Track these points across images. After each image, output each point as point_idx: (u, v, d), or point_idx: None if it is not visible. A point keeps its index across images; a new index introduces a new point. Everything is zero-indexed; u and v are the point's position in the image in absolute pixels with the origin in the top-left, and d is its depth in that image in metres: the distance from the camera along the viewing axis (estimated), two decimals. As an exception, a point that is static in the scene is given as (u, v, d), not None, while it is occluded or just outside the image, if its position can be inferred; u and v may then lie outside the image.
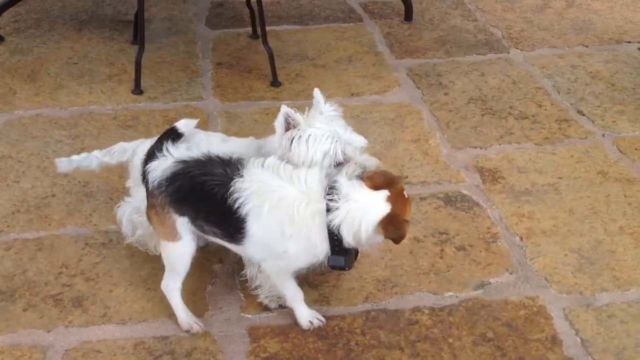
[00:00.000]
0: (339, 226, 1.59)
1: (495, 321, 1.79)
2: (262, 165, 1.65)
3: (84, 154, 1.96)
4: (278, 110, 2.65)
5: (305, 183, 1.63)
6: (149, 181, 1.68)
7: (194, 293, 1.83)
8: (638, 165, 2.35)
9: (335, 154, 1.68)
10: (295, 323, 1.78)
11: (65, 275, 1.91)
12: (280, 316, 1.81)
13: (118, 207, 1.98)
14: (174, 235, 1.68)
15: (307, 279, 1.89)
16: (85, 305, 1.82)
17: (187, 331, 1.76)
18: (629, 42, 3.16)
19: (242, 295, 1.86)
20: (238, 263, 1.90)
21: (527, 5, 3.50)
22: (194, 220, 1.68)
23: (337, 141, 1.69)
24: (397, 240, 1.62)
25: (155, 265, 1.93)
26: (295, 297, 1.76)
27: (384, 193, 1.60)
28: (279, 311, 1.82)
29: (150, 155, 1.72)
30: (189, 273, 1.74)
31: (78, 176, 2.28)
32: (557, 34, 3.22)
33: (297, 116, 1.72)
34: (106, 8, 3.41)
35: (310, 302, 1.83)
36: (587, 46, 3.11)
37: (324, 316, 1.79)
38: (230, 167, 1.66)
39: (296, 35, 3.23)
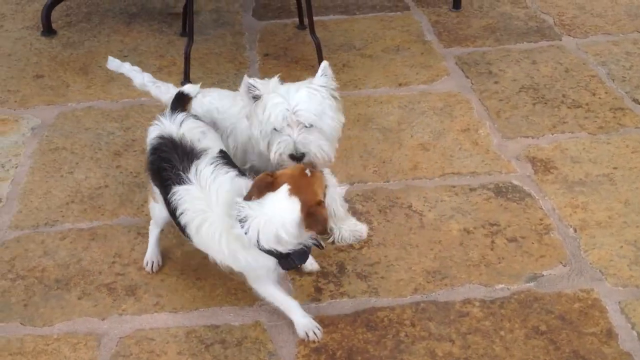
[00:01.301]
0: (261, 242, 1.56)
1: (548, 314, 1.76)
2: (196, 174, 1.66)
3: (137, 67, 2.07)
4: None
5: (217, 203, 1.62)
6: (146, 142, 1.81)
7: (243, 282, 1.85)
8: (698, 154, 2.28)
9: (276, 119, 1.71)
10: (345, 314, 1.78)
11: (118, 265, 1.95)
12: (329, 306, 1.81)
13: None
14: (153, 196, 1.84)
15: (347, 270, 1.89)
16: (138, 294, 1.86)
17: (144, 267, 1.90)
18: (688, 27, 3.05)
19: (291, 285, 1.87)
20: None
21: (579, -9, 3.41)
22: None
23: (285, 109, 1.71)
24: (323, 229, 1.56)
25: (205, 255, 1.95)
26: (288, 307, 1.72)
27: (285, 190, 1.55)
28: (329, 302, 1.82)
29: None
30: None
31: (130, 167, 2.32)
32: (611, 21, 3.13)
33: (259, 85, 1.77)
34: (155, 1, 3.45)
35: (359, 293, 1.82)
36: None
37: (372, 307, 1.78)
38: (186, 161, 1.68)
39: (343, 25, 3.22)
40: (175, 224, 1.74)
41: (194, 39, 2.79)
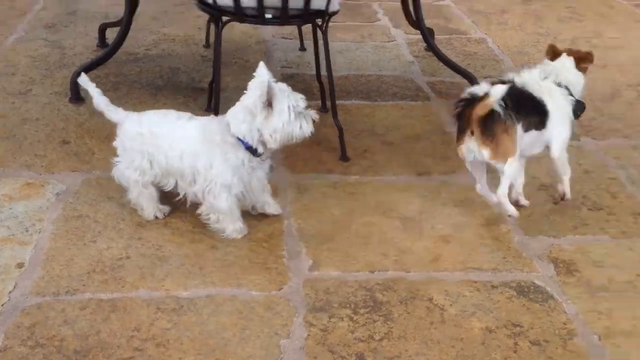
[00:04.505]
0: None
1: None
2: None
3: (99, 90, 2.47)
4: (347, 184, 2.70)
5: None
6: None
7: None
8: None
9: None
10: None
11: (137, 339, 1.92)
12: None
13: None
14: None
15: None
16: (155, 373, 1.82)
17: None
18: (703, 136, 3.12)
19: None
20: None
21: (596, 94, 3.50)
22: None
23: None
24: None
25: (224, 335, 1.92)
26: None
27: None
28: None
29: None
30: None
31: (152, 239, 2.31)
32: (630, 124, 3.20)
33: (277, 89, 2.22)
34: (181, 75, 3.53)
35: (380, 388, 1.78)
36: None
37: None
38: None
39: (364, 110, 3.28)
40: None
41: (218, 114, 2.83)
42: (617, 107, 3.36)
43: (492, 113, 2.22)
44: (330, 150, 2.91)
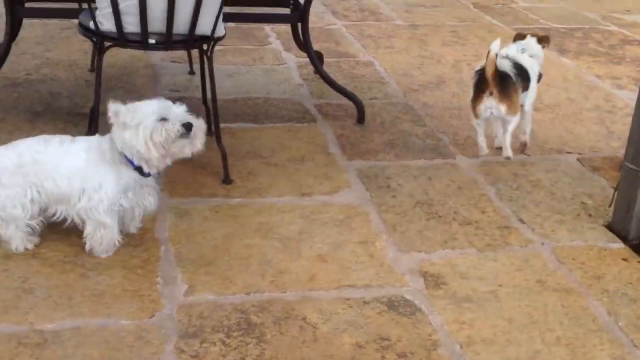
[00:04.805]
0: None
1: None
2: None
3: None
4: (228, 207, 2.70)
5: None
6: None
7: None
8: (575, 275, 2.43)
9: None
10: None
11: (-5, 376, 1.85)
12: None
13: None
14: None
15: None
16: (13, 410, 1.75)
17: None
18: (569, 152, 3.32)
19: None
20: None
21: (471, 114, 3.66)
22: None
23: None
24: None
25: (90, 368, 1.88)
26: None
27: None
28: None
29: None
30: None
31: (18, 271, 2.24)
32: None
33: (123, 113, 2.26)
34: (63, 100, 3.45)
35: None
36: (529, 155, 3.25)
37: None
38: None
39: (251, 133, 3.31)
40: None
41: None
42: (491, 126, 3.53)
43: (507, 78, 2.92)
44: (213, 174, 2.91)
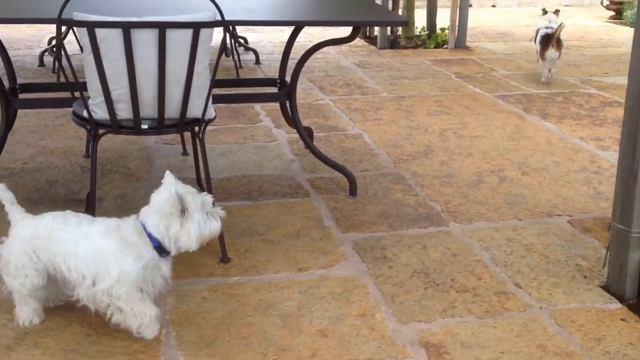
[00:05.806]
0: None
1: None
2: None
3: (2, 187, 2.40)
4: (227, 286, 2.72)
5: None
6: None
7: None
8: (575, 338, 2.44)
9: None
10: None
11: None
12: None
13: None
14: None
15: None
16: None
17: None
18: (559, 215, 3.38)
19: None
20: None
21: (462, 180, 3.75)
22: None
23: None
24: None
25: None
26: None
27: None
28: None
29: None
30: None
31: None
32: (492, 208, 3.43)
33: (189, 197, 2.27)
34: (59, 187, 3.50)
35: None
36: (520, 219, 3.31)
37: None
38: None
39: (245, 210, 3.35)
40: None
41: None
42: (481, 193, 3.60)
43: (559, 39, 5.49)
44: (211, 253, 2.94)
